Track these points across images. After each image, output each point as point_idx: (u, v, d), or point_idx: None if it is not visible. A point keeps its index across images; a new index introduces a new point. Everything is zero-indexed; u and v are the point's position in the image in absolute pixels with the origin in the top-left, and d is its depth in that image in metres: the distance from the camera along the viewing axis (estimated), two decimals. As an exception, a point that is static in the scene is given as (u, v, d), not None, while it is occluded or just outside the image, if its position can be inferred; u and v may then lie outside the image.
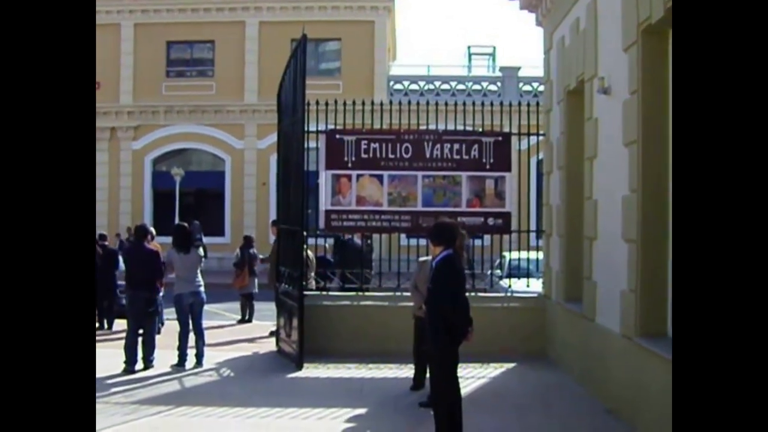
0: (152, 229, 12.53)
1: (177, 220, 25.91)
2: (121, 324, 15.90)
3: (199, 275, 11.95)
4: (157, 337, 12.21)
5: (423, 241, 10.85)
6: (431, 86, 32.54)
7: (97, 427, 8.35)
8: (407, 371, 10.93)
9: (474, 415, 8.41)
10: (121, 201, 33.66)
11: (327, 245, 15.45)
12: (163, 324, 14.49)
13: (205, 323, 12.35)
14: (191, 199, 32.79)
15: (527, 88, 32.20)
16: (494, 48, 38.76)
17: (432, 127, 13.91)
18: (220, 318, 17.67)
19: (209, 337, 12.66)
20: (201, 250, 12.03)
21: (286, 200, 12.91)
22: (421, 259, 10.15)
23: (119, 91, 33.80)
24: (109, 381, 10.83)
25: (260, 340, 14.55)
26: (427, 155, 12.84)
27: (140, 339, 11.69)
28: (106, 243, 16.36)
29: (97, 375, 11.03)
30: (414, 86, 32.79)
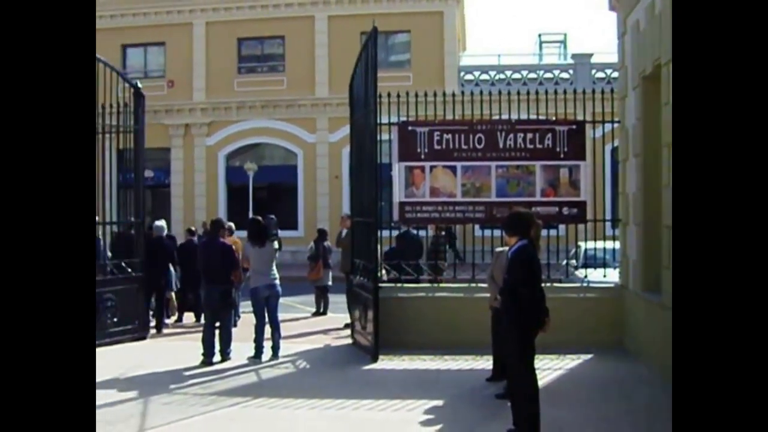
0: (231, 224, 12.68)
1: (251, 215, 26.19)
2: (189, 317, 16.26)
3: (275, 268, 12.08)
4: (234, 330, 12.36)
5: (497, 232, 10.77)
6: (502, 76, 32.26)
7: (176, 418, 8.54)
8: (483, 363, 10.88)
9: (551, 406, 8.33)
10: (195, 196, 34.16)
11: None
12: (239, 317, 14.67)
13: (281, 316, 12.46)
14: (264, 193, 33.10)
15: (600, 75, 31.72)
16: (565, 35, 38.34)
17: (504, 117, 13.80)
18: (295, 311, 17.80)
19: (285, 329, 12.78)
20: (276, 244, 12.15)
21: (359, 193, 12.96)
22: (498, 249, 10.08)
23: (192, 88, 34.29)
24: (188, 373, 11.01)
25: (335, 332, 14.62)
26: (501, 145, 12.74)
27: (217, 332, 11.85)
28: (194, 238, 16.57)
29: (176, 367, 11.29)
30: (485, 76, 32.56)
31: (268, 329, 12.04)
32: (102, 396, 9.49)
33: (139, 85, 14.23)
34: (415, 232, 14.39)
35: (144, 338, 13.73)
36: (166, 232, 15.86)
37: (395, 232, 14.42)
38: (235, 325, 13.28)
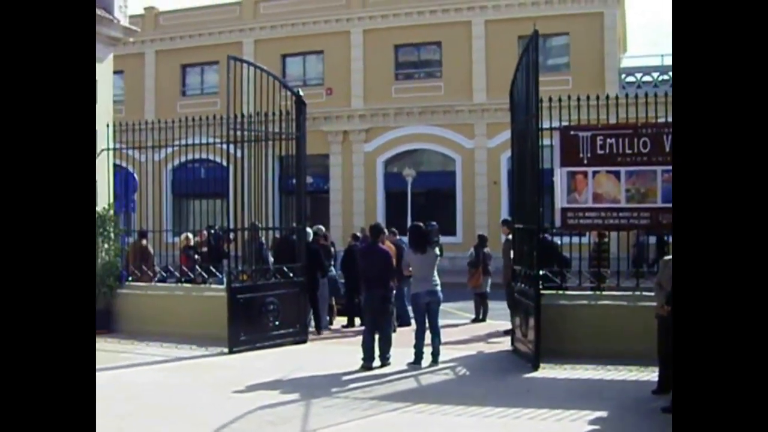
0: (393, 230, 12.74)
1: (409, 221, 26.36)
2: (342, 321, 16.52)
3: (436, 275, 12.10)
4: (393, 336, 12.45)
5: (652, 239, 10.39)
6: (665, 77, 31.25)
7: (337, 421, 8.64)
8: (649, 374, 10.52)
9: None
10: (354, 202, 34.69)
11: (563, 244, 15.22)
12: (409, 324, 14.73)
13: (440, 322, 12.46)
14: (423, 199, 33.25)
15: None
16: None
17: (669, 119, 13.32)
18: (453, 317, 17.78)
19: (444, 335, 12.77)
20: (438, 250, 12.15)
21: (520, 199, 12.83)
22: (666, 258, 9.75)
23: (351, 95, 34.87)
24: (348, 377, 11.15)
25: (495, 339, 14.50)
26: (667, 149, 12.31)
27: (377, 336, 11.95)
28: (357, 243, 16.82)
29: (336, 371, 11.44)
30: (647, 78, 31.64)
31: (428, 335, 12.07)
32: (264, 397, 9.75)
33: (301, 93, 14.55)
34: (549, 238, 14.03)
35: (304, 341, 14.01)
36: (312, 237, 15.97)
37: (560, 239, 14.14)
38: (394, 331, 13.37)
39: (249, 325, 13.21)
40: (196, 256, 17.10)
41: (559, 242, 13.82)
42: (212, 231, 17.58)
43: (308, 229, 15.75)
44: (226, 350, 12.92)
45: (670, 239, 13.72)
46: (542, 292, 11.86)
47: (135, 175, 18.50)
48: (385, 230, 12.71)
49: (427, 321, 12.06)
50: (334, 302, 16.91)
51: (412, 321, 12.80)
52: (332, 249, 17.18)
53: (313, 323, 15.26)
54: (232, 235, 13.66)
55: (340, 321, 16.88)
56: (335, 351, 13.41)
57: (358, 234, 18.05)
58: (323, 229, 16.50)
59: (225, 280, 13.67)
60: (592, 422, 8.63)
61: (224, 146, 13.62)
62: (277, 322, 13.60)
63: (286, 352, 13.22)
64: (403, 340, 12.76)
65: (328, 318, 16.41)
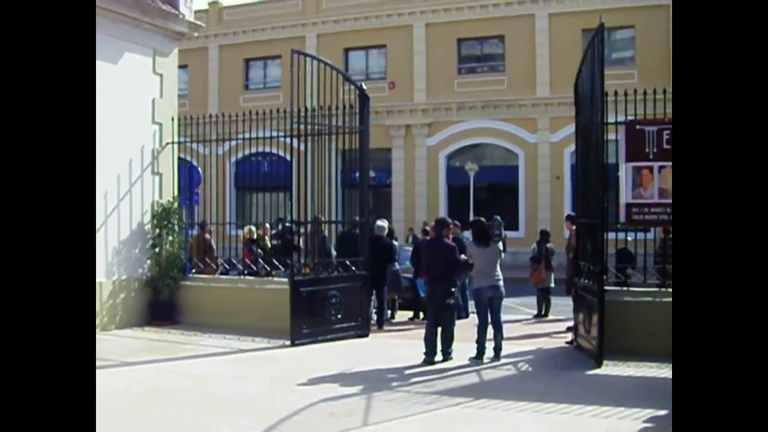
0: (456, 222, 12.69)
1: (471, 215, 26.32)
2: (402, 316, 16.59)
3: (499, 269, 12.08)
4: (455, 330, 12.44)
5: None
6: (734, 70, 30.63)
7: (399, 415, 8.68)
8: (715, 372, 10.37)
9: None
10: (416, 196, 34.72)
11: (629, 239, 15.09)
12: (468, 316, 14.74)
13: (503, 317, 12.43)
14: (485, 193, 33.16)
15: None
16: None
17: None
18: (516, 312, 17.73)
19: (506, 330, 12.72)
20: (501, 245, 12.14)
21: (585, 194, 12.73)
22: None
23: (413, 89, 34.90)
24: (409, 371, 11.17)
25: (557, 335, 14.42)
26: (735, 143, 12.10)
27: (439, 331, 11.97)
28: (417, 236, 16.95)
29: (397, 365, 11.48)
30: (716, 71, 31.08)
31: (490, 330, 12.05)
32: (327, 390, 9.83)
33: (364, 86, 14.60)
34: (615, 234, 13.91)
35: (366, 335, 14.08)
36: (386, 231, 16.16)
37: (624, 235, 14.02)
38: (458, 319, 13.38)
39: (311, 318, 13.32)
40: (259, 250, 17.27)
41: (624, 238, 13.69)
42: (286, 224, 17.74)
43: (382, 223, 15.92)
44: (288, 343, 13.04)
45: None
46: (606, 288, 11.76)
47: (199, 169, 18.78)
48: (451, 223, 12.68)
49: (489, 316, 12.05)
50: (395, 296, 16.97)
51: (472, 315, 12.79)
52: (395, 243, 17.22)
53: (375, 317, 15.33)
54: (298, 229, 13.77)
55: (402, 315, 16.94)
56: (397, 345, 13.46)
57: (428, 228, 18.10)
58: (386, 223, 16.56)
59: (288, 272, 13.77)
60: (654, 419, 8.54)
61: (287, 140, 13.73)
62: (339, 316, 13.69)
63: (348, 345, 13.30)
64: (464, 334, 12.75)
65: (389, 312, 16.48)
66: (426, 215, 31.95)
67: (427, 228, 17.98)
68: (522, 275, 18.65)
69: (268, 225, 19.02)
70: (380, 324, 15.29)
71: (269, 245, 18.13)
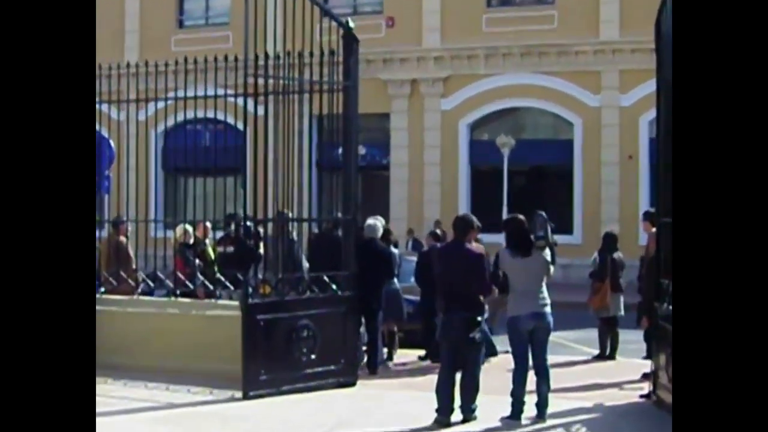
0: (479, 224, 12.57)
1: (505, 212, 26.29)
2: (405, 355, 16.55)
3: (545, 289, 12.01)
4: (481, 376, 12.41)
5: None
6: None
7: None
8: None
9: None
10: (425, 183, 34.60)
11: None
12: (497, 354, 14.76)
13: (550, 358, 12.42)
14: (524, 179, 33.23)
15: None
16: None
17: None
18: (567, 351, 17.76)
19: (555, 378, 12.67)
20: (547, 253, 12.02)
21: (670, 181, 12.70)
22: None
23: (422, 29, 34.85)
24: (416, 437, 11.21)
25: (628, 385, 14.43)
26: None
27: (458, 378, 11.94)
28: (438, 244, 16.81)
29: (398, 428, 11.46)
30: None
31: (531, 378, 12.02)
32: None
33: (351, 24, 14.52)
34: None
35: (353, 384, 14.05)
36: (381, 233, 16.02)
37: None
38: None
39: (273, 359, 13.28)
40: (197, 260, 17.22)
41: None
42: (243, 223, 17.56)
43: (374, 222, 15.79)
44: (239, 395, 13.02)
45: None
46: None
47: (111, 142, 18.62)
48: (476, 223, 12.58)
49: (530, 357, 12.02)
50: (395, 328, 16.91)
51: (503, 355, 12.75)
52: (394, 251, 17.13)
53: (365, 357, 15.32)
54: (254, 230, 13.74)
55: (404, 354, 16.91)
56: (396, 398, 13.46)
57: (439, 231, 18.03)
58: (381, 221, 16.50)
59: (241, 293, 13.72)
60: None
61: (239, 100, 13.70)
62: (313, 356, 13.64)
63: (325, 398, 13.28)
64: (493, 382, 12.73)
65: (386, 350, 16.44)
66: (438, 211, 31.93)
67: (438, 231, 17.93)
68: (578, 298, 18.66)
69: (209, 224, 18.91)
70: (372, 367, 15.26)
71: (212, 253, 18.07)
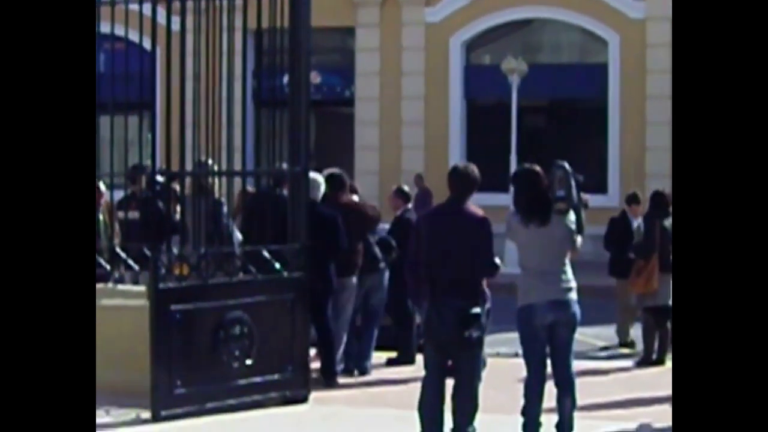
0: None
1: (514, 160, 26.39)
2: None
3: (569, 269, 11.97)
4: (481, 389, 12.43)
5: None
6: None
7: None
8: None
9: None
10: (404, 123, 34.65)
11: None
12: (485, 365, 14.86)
13: (576, 364, 12.45)
14: (540, 118, 33.45)
15: None
16: None
17: None
18: (599, 354, 17.82)
19: (582, 391, 12.69)
20: (572, 219, 11.93)
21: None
22: None
23: None
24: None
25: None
26: None
27: (449, 389, 11.95)
28: (409, 207, 16.82)
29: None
30: None
31: (550, 388, 12.04)
32: None
33: None
34: None
35: (304, 399, 14.08)
36: (323, 191, 15.85)
37: None
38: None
39: (193, 366, 13.26)
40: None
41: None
42: (151, 179, 17.39)
43: (316, 176, 15.69)
44: (147, 414, 13.01)
45: None
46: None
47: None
48: (476, 178, 12.48)
49: (549, 361, 12.03)
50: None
51: (506, 359, 12.75)
52: (370, 216, 16.96)
53: (320, 362, 15.34)
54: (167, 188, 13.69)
55: (377, 356, 16.93)
56: (363, 419, 13.50)
57: (406, 188, 18.02)
58: (345, 177, 16.45)
59: (148, 274, 13.67)
60: None
61: (146, 9, 13.65)
62: (248, 361, 13.64)
63: (265, 420, 13.33)
64: (496, 396, 12.77)
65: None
66: (421, 163, 32.02)
67: (405, 188, 17.90)
68: (613, 281, 18.72)
69: (102, 185, 18.77)
70: (329, 376, 15.24)
71: (107, 221, 18.02)
